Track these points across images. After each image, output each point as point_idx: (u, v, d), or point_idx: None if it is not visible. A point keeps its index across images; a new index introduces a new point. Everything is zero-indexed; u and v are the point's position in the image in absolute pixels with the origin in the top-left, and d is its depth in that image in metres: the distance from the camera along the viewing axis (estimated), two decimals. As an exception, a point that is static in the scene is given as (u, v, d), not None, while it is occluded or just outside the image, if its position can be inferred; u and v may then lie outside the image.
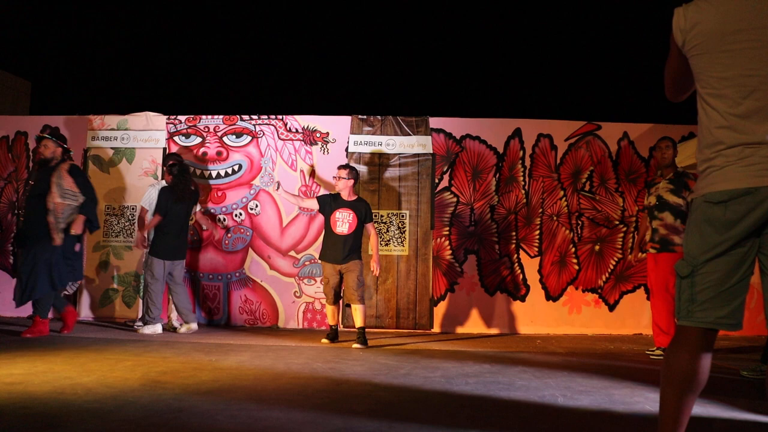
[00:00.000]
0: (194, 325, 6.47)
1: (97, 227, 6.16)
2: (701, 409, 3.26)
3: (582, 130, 7.43)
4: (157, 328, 6.26)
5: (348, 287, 5.88)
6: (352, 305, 5.93)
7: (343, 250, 5.86)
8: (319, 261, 6.32)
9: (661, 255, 5.39)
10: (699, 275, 2.01)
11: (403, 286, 7.14)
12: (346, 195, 6.00)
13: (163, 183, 6.61)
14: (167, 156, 6.94)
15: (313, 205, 6.18)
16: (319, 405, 3.17)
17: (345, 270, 5.88)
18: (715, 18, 2.00)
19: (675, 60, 2.18)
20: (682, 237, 5.06)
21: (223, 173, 7.32)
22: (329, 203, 6.01)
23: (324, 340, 5.95)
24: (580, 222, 7.29)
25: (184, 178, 6.47)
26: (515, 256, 7.25)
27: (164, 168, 6.77)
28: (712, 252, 1.99)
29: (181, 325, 6.50)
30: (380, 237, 7.18)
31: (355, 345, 5.65)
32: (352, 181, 6.00)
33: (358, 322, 5.85)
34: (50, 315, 5.94)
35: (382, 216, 7.19)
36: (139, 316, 6.88)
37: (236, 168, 7.31)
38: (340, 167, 6.08)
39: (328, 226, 5.97)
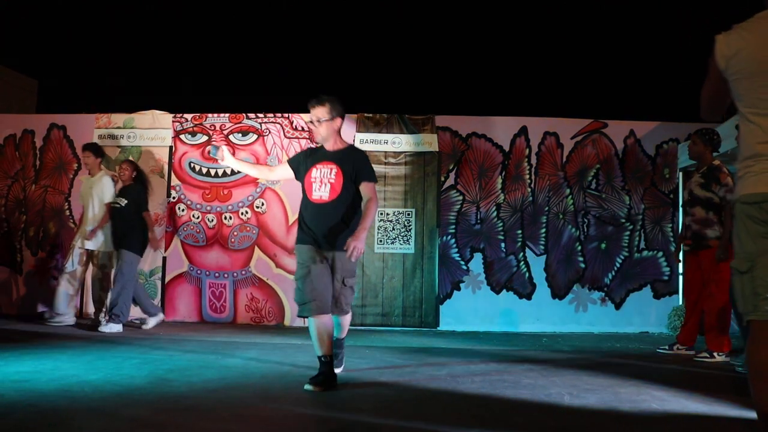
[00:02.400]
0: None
1: None
2: (707, 407, 3.26)
3: (588, 128, 7.41)
4: (120, 328, 6.08)
5: (336, 291, 3.79)
6: (335, 315, 3.80)
7: (326, 227, 3.74)
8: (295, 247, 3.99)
9: (701, 253, 5.17)
10: (757, 269, 2.10)
11: (409, 284, 7.14)
12: (330, 144, 3.90)
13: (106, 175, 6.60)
14: (89, 146, 6.65)
15: (285, 172, 4.06)
16: (326, 403, 3.18)
17: (335, 260, 3.78)
18: (756, 45, 2.17)
19: (715, 83, 2.33)
20: (716, 230, 5.03)
21: (229, 171, 7.33)
22: (303, 161, 3.94)
23: (308, 386, 3.49)
24: (586, 220, 7.28)
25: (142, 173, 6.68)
26: (521, 254, 7.24)
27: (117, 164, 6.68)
28: (762, 246, 2.10)
29: (143, 321, 6.44)
30: (386, 235, 7.19)
31: (308, 386, 3.49)
32: (338, 122, 3.86)
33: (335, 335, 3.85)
34: None
35: (388, 214, 7.20)
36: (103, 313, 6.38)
37: (242, 166, 7.30)
38: (315, 103, 3.83)
39: (304, 194, 3.88)
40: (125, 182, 6.52)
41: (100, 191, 6.43)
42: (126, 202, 6.35)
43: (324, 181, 3.79)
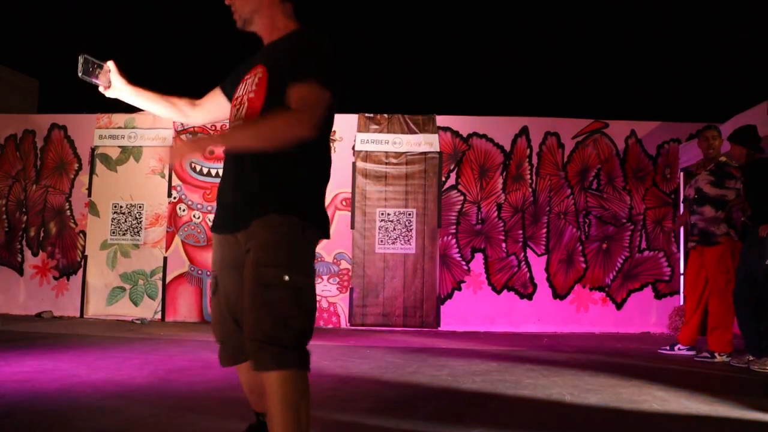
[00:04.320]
0: None
1: None
2: (708, 407, 3.25)
3: (589, 128, 7.41)
4: None
5: (247, 303, 1.88)
6: (257, 369, 1.84)
7: (238, 184, 1.98)
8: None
9: (706, 251, 5.12)
10: None
11: (410, 284, 7.14)
12: (267, 33, 2.07)
13: None
14: None
15: (219, 105, 2.26)
16: (326, 403, 3.17)
17: (249, 241, 1.91)
18: None
19: None
20: (723, 228, 5.00)
21: (230, 171, 7.33)
22: (235, 77, 2.16)
23: None
24: (587, 220, 7.27)
25: None
26: (522, 254, 7.24)
27: None
28: None
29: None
30: (387, 235, 7.19)
31: None
32: None
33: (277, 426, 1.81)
34: None
35: (389, 214, 7.19)
36: None
37: (243, 166, 7.30)
38: None
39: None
40: None
41: None
42: None
43: (242, 101, 2.01)
